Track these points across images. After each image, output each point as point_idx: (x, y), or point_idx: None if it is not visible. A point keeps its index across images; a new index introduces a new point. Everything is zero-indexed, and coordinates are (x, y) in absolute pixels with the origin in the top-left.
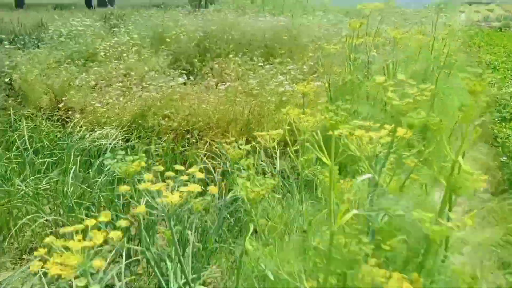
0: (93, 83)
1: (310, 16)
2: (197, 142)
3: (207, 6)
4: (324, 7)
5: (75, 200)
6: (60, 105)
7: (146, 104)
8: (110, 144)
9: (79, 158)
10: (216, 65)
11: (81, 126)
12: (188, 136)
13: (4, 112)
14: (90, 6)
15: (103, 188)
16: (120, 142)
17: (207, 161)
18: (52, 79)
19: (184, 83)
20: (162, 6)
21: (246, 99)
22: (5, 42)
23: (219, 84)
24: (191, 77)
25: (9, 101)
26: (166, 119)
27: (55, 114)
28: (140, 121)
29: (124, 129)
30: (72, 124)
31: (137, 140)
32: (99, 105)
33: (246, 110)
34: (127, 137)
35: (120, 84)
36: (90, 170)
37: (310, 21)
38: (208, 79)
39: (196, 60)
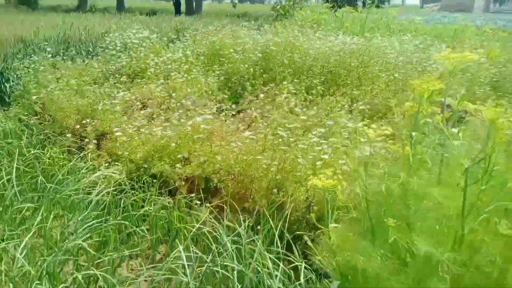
0: (118, 107)
1: (394, 37)
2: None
3: (282, 19)
4: (413, 27)
5: None
6: (81, 130)
7: (159, 144)
8: (100, 192)
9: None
10: (262, 95)
11: (92, 159)
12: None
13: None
14: (178, 12)
15: None
16: (115, 191)
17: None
18: (78, 99)
19: (224, 112)
20: (240, 16)
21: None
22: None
23: (256, 120)
24: (240, 102)
25: (32, 120)
26: (180, 164)
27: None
28: (146, 165)
29: (134, 170)
30: (82, 155)
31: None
32: (119, 133)
33: (274, 166)
34: (132, 184)
35: (151, 109)
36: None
37: (391, 44)
38: (250, 110)
39: (248, 83)
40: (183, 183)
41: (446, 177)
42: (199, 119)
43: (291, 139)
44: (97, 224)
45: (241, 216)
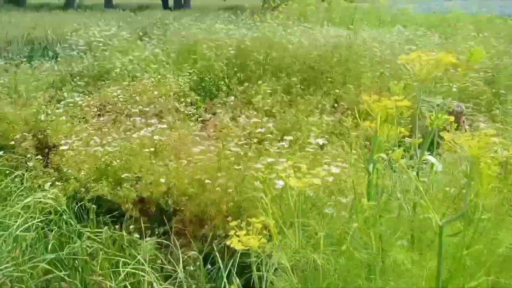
0: (63, 118)
1: (384, 29)
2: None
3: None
4: (405, 17)
5: None
6: (23, 144)
7: (101, 161)
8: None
9: None
10: (232, 97)
11: (35, 177)
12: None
13: None
14: (167, 7)
15: None
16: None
17: None
18: (21, 109)
19: (193, 117)
20: (231, 9)
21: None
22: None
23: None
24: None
25: None
26: (129, 184)
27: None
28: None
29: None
30: (16, 175)
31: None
32: (65, 147)
33: (233, 186)
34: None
35: (105, 117)
36: None
37: (380, 35)
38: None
39: (222, 83)
40: (131, 206)
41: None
42: (144, 132)
43: (250, 154)
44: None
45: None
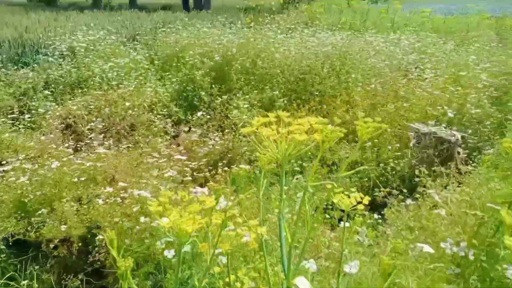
0: (7, 134)
1: (392, 34)
2: None
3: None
4: (420, 20)
5: None
6: None
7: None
8: None
9: None
10: (200, 113)
11: None
12: None
13: None
14: (186, 8)
15: None
16: None
17: None
18: None
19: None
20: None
21: None
22: None
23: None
24: (195, 117)
25: None
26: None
27: None
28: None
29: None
30: None
31: None
32: (8, 167)
33: None
34: None
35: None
36: None
37: (385, 42)
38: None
39: (203, 93)
40: (51, 245)
41: None
42: (71, 157)
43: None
44: None
45: None
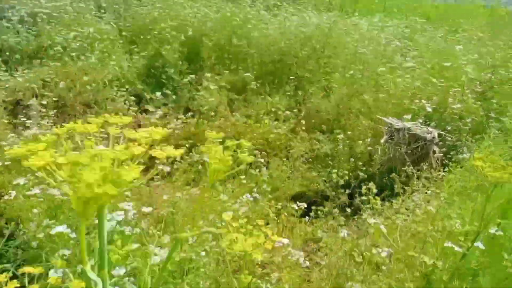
0: None
1: (377, 18)
2: None
3: None
4: (412, 5)
5: None
6: None
7: None
8: None
9: None
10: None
11: None
12: None
13: None
14: None
15: None
16: None
17: None
18: None
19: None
20: None
21: None
22: None
23: None
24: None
25: None
26: None
27: None
28: None
29: None
30: None
31: None
32: None
33: None
34: None
35: None
36: None
37: (371, 26)
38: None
39: (172, 71)
40: None
41: None
42: None
43: None
44: None
45: None
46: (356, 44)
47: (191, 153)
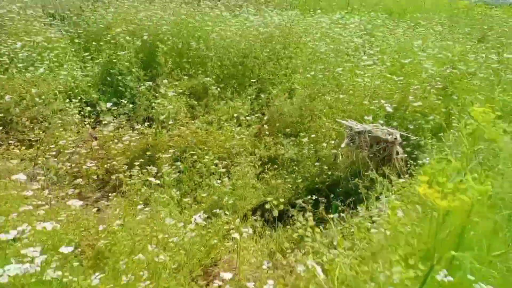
0: None
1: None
2: None
3: None
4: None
5: None
6: None
7: None
8: None
9: None
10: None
11: None
12: None
13: None
14: None
15: None
16: None
17: None
18: None
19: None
20: None
21: None
22: None
23: None
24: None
25: None
26: None
27: None
28: None
29: None
30: None
31: None
32: None
33: None
34: None
35: None
36: None
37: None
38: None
39: (129, 78)
40: None
41: None
42: None
43: None
44: None
45: None
46: (317, 43)
47: (148, 167)
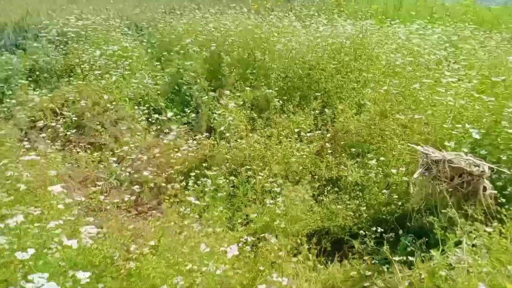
0: None
1: (417, 25)
2: None
3: None
4: (464, 10)
5: None
6: None
7: None
8: None
9: None
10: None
11: None
12: None
13: None
14: None
15: None
16: None
17: None
18: None
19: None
20: None
21: None
22: None
23: None
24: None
25: None
26: None
27: None
28: None
29: None
30: None
31: None
32: None
33: None
34: None
35: None
36: None
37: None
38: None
39: (195, 88)
40: None
41: None
42: None
43: None
44: None
45: None
46: (393, 55)
47: (203, 179)
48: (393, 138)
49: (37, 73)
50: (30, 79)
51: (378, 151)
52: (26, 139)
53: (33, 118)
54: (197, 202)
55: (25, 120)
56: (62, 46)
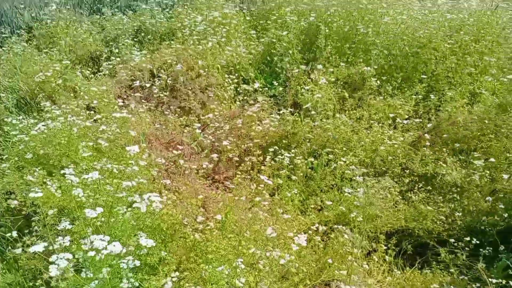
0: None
1: None
2: None
3: None
4: None
5: None
6: None
7: None
8: None
9: None
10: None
11: None
12: None
13: None
14: None
15: None
16: None
17: None
18: None
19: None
20: None
21: None
22: None
23: None
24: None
25: None
26: None
27: None
28: None
29: None
30: None
31: None
32: None
33: None
34: None
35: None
36: None
37: None
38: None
39: (287, 60)
40: None
41: None
42: None
43: None
44: None
45: None
46: None
47: (280, 156)
48: (510, 138)
49: (142, 34)
50: (135, 39)
51: (488, 150)
52: (124, 96)
53: (133, 77)
54: (269, 182)
55: (125, 79)
56: (167, 10)
